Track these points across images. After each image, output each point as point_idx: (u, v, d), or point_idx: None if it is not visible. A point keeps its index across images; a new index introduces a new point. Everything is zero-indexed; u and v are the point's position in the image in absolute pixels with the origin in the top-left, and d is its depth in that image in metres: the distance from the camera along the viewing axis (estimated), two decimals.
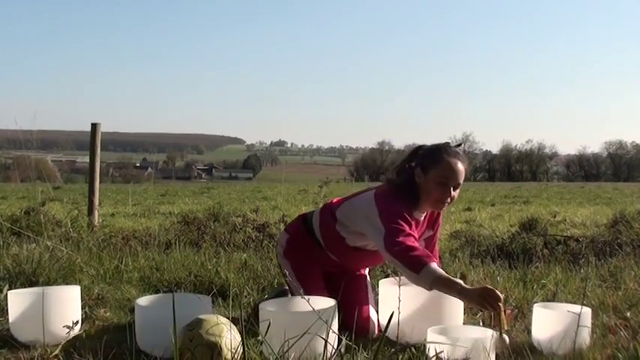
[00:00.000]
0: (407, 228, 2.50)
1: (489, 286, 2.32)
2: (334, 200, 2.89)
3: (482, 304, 2.30)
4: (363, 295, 2.86)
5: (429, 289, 2.39)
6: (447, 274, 2.41)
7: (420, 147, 2.73)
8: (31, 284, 3.20)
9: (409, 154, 2.76)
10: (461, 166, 2.61)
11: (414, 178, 2.66)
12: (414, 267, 2.39)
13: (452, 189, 2.61)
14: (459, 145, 2.72)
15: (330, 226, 2.79)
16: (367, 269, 3.07)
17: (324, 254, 2.86)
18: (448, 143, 2.69)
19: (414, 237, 2.51)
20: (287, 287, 2.95)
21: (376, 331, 2.73)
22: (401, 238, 2.46)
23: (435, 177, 2.59)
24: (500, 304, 2.27)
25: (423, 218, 2.78)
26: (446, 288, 2.37)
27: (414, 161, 2.70)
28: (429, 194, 2.62)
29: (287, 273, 2.81)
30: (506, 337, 2.30)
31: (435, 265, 2.40)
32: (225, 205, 7.70)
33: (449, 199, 2.62)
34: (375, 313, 2.81)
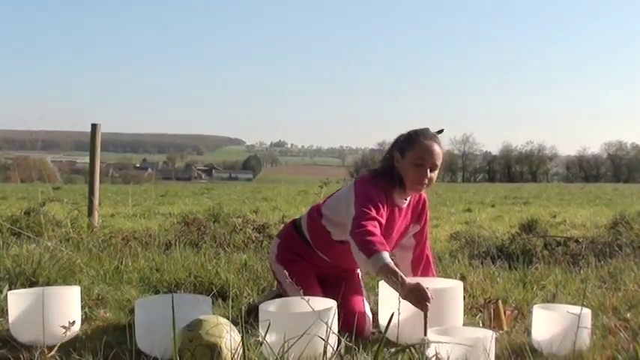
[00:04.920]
0: (373, 212, 2.55)
1: (421, 286, 2.38)
2: (322, 201, 2.97)
3: (410, 300, 2.36)
4: (358, 293, 2.87)
5: (376, 274, 2.48)
6: (394, 267, 2.46)
7: (401, 135, 2.81)
8: (31, 285, 3.20)
9: (391, 145, 2.83)
10: (437, 148, 2.69)
11: (393, 163, 2.73)
12: (366, 251, 2.45)
13: (429, 170, 2.68)
14: (440, 131, 2.79)
15: (317, 222, 2.85)
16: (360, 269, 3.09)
17: (314, 255, 2.90)
18: (427, 128, 2.76)
19: (378, 221, 2.56)
20: (280, 292, 2.96)
21: (370, 329, 2.72)
22: (364, 222, 2.52)
23: (412, 159, 2.67)
24: (429, 305, 2.35)
25: (406, 206, 2.82)
26: (387, 279, 2.43)
27: (394, 148, 2.78)
28: (407, 176, 2.69)
29: (280, 279, 2.87)
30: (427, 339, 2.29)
31: (386, 254, 2.44)
32: (225, 206, 7.70)
33: (426, 180, 2.69)
34: (370, 310, 2.82)
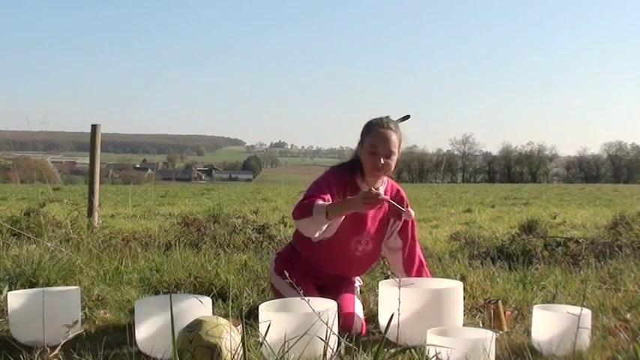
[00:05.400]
0: (312, 191, 2.70)
1: (362, 192, 2.56)
2: None
3: (369, 206, 2.54)
4: (348, 294, 2.87)
5: (328, 218, 2.57)
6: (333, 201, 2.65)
7: None
8: (31, 285, 3.20)
9: None
10: (390, 136, 2.80)
11: (357, 153, 2.89)
12: (306, 213, 2.59)
13: (384, 157, 2.77)
14: (406, 117, 2.92)
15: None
16: (357, 279, 3.11)
17: (308, 265, 2.94)
18: (386, 116, 2.87)
19: (313, 195, 2.67)
20: None
21: (361, 329, 2.71)
22: (298, 202, 2.67)
23: (368, 147, 2.81)
24: (383, 196, 2.53)
25: None
26: (338, 210, 2.59)
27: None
28: (365, 163, 2.82)
29: (279, 287, 2.91)
30: (412, 211, 2.64)
31: (320, 200, 2.61)
32: (225, 207, 7.70)
33: (380, 166, 2.78)
34: (361, 310, 2.83)
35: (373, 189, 2.55)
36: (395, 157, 2.82)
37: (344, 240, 2.84)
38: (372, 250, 2.95)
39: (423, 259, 3.05)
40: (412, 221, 3.00)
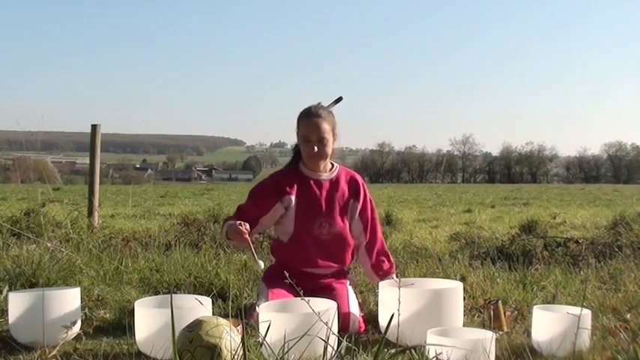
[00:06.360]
0: (243, 204, 2.98)
1: (231, 224, 2.77)
2: None
3: (234, 240, 2.77)
4: (342, 291, 2.87)
5: (229, 238, 2.83)
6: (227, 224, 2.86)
7: None
8: (31, 285, 3.20)
9: None
10: (319, 122, 2.91)
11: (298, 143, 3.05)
12: (222, 227, 2.92)
13: (317, 144, 2.90)
14: (338, 99, 3.06)
15: (274, 235, 3.14)
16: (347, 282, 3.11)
17: (293, 271, 2.94)
18: (315, 104, 2.99)
19: (240, 208, 2.96)
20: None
21: (359, 327, 2.71)
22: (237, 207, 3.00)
23: (300, 137, 2.97)
24: (246, 235, 2.71)
25: (332, 179, 3.02)
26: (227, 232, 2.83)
27: None
28: (303, 152, 2.98)
29: (259, 292, 2.97)
30: (261, 263, 2.73)
31: (233, 220, 2.81)
32: (225, 207, 7.70)
33: (315, 153, 2.92)
34: (358, 310, 2.82)
35: (238, 224, 2.75)
36: (329, 142, 2.94)
37: (306, 227, 2.94)
38: (340, 232, 2.99)
39: (384, 242, 3.15)
40: (371, 204, 3.10)
